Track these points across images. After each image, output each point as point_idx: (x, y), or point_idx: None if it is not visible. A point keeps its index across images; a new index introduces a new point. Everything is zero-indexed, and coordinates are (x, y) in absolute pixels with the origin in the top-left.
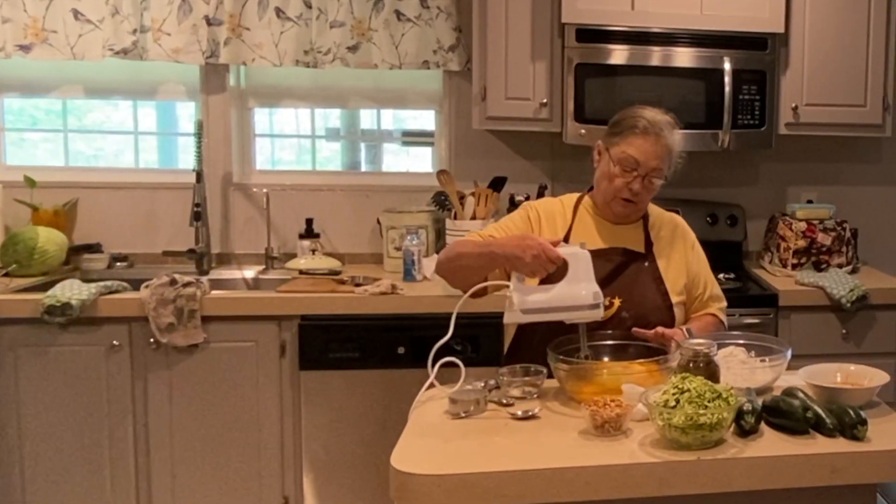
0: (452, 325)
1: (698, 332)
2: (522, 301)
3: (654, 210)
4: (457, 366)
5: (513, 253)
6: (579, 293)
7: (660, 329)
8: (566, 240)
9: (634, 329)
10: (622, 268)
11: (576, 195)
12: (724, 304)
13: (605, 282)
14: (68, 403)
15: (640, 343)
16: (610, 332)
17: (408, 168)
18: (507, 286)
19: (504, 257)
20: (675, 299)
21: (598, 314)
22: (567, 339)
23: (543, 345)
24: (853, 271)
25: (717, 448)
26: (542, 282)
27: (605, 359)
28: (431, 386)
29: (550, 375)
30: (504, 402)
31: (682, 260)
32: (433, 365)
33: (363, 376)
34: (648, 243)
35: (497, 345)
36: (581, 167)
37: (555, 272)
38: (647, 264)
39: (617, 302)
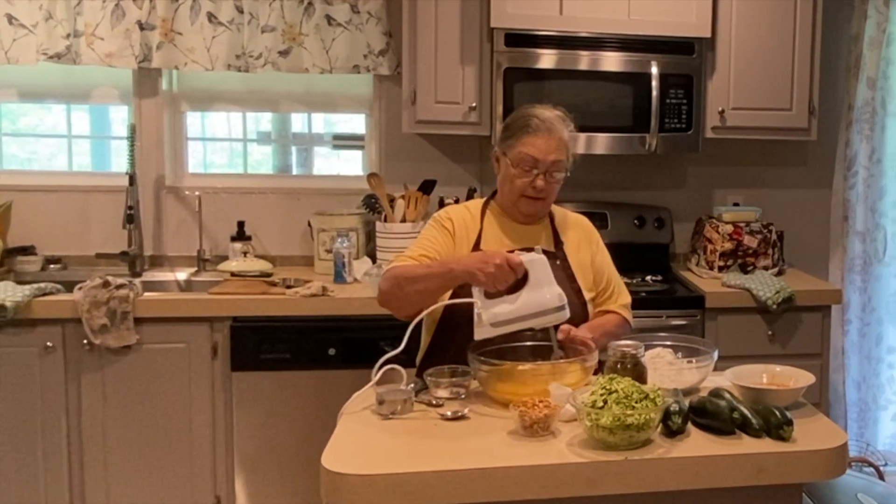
0: (406, 339)
1: (590, 329)
2: (491, 315)
3: (559, 210)
4: (396, 370)
5: (475, 266)
6: (544, 297)
7: (569, 328)
8: (477, 245)
9: (562, 327)
10: None
11: (481, 200)
12: (629, 300)
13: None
14: (2, 404)
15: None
16: (530, 332)
17: (338, 171)
18: (471, 302)
19: (465, 273)
20: (587, 295)
21: (565, 315)
22: (486, 341)
23: (462, 346)
24: (779, 273)
25: (644, 448)
26: (502, 293)
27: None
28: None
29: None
30: (434, 402)
31: (588, 255)
32: (377, 371)
33: (294, 377)
34: (558, 241)
35: None
36: None
37: (513, 282)
38: (558, 262)
39: None
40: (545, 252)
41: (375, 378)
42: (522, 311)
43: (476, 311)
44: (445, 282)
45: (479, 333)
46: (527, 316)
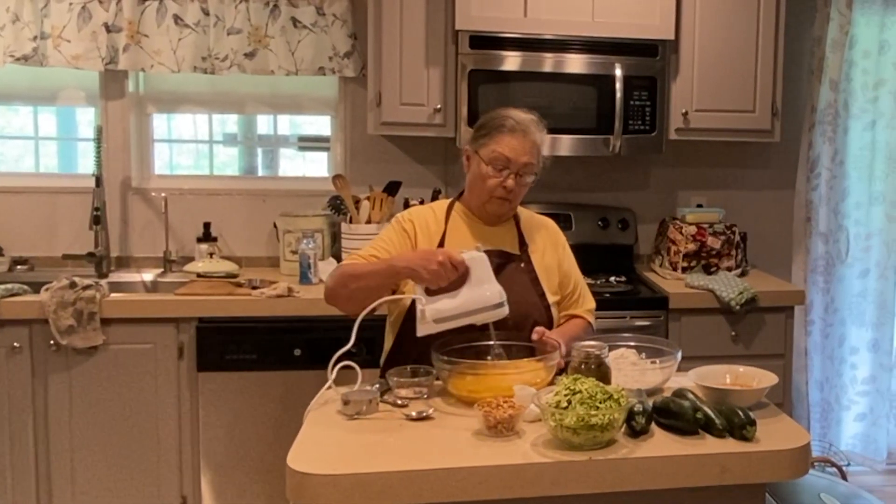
0: (354, 334)
1: (560, 335)
2: (433, 311)
3: (524, 212)
4: (353, 368)
5: (417, 264)
6: (484, 294)
7: (543, 331)
8: (441, 246)
9: (537, 328)
10: (500, 269)
11: (446, 201)
12: (593, 305)
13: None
14: None
15: (523, 343)
16: (493, 331)
17: (304, 173)
18: (409, 298)
19: (407, 270)
20: (551, 299)
21: (504, 312)
22: (449, 340)
23: (425, 348)
24: (742, 274)
25: (608, 448)
26: (443, 290)
27: (489, 358)
28: (329, 389)
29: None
30: (399, 402)
31: (554, 259)
32: (332, 368)
33: (260, 378)
34: (523, 244)
35: None
36: None
37: (454, 280)
38: (523, 265)
39: None
40: (510, 255)
41: (332, 376)
42: (464, 307)
43: (419, 307)
44: (388, 279)
45: (422, 330)
46: (468, 312)
